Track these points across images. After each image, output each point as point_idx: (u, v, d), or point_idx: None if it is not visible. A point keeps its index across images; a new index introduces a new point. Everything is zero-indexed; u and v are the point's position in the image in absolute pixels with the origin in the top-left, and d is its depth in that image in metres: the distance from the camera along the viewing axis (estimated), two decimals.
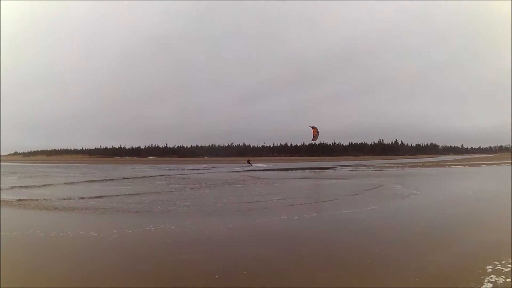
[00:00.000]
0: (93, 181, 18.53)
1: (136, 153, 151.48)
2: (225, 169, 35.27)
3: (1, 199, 10.15)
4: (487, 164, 36.49)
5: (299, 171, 31.55)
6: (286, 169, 35.33)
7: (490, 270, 3.70)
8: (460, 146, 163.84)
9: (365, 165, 41.54)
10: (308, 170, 32.37)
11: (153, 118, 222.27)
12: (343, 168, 34.49)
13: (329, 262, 4.24)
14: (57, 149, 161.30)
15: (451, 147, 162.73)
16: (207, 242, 5.38)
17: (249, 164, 48.92)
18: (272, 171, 32.18)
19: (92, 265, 4.24)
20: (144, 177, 22.41)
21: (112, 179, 19.73)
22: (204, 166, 46.20)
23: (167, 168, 38.54)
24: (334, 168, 36.39)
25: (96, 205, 9.27)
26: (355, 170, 30.59)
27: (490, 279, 3.45)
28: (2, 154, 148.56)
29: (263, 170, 34.87)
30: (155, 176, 23.65)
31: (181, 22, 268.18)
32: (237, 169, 36.45)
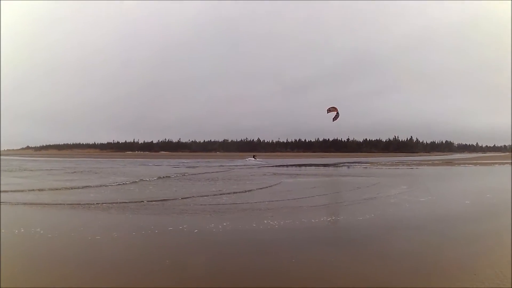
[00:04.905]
0: None
1: (148, 147, 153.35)
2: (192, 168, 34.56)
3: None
4: (499, 164, 35.03)
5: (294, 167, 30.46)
6: (292, 166, 34.27)
7: None
8: (475, 144, 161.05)
9: (369, 163, 39.79)
10: (304, 167, 31.16)
11: (175, 112, 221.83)
12: (345, 166, 33.05)
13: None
14: (69, 143, 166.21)
15: (466, 145, 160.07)
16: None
17: (254, 158, 54.12)
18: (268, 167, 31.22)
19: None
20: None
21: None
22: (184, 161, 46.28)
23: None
24: (326, 165, 34.96)
25: None
26: (353, 168, 29.17)
27: None
28: (14, 148, 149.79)
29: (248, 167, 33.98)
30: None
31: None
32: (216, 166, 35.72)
